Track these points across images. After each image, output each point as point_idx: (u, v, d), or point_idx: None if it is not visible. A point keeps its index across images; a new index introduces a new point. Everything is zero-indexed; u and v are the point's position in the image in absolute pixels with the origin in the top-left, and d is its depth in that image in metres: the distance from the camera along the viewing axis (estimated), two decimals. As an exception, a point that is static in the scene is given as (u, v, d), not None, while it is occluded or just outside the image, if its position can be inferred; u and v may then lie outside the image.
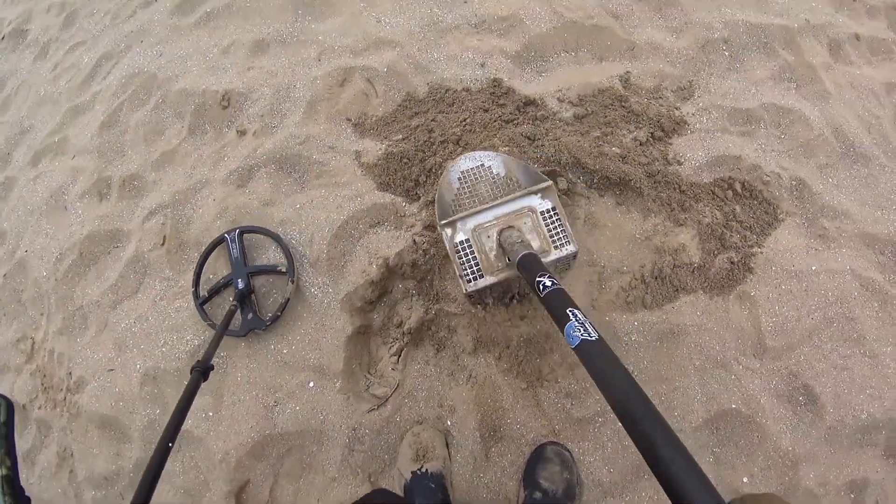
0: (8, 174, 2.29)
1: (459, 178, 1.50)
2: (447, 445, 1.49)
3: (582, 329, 0.91)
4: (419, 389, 1.53)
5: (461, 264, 1.42)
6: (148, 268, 1.83)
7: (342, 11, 2.04)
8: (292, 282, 1.62)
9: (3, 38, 2.89)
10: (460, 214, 1.44)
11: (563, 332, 0.95)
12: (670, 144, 1.63)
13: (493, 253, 1.42)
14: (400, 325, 1.56)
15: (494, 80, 1.74)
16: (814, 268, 1.57)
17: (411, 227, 1.58)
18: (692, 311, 1.52)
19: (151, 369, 1.71)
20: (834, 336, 1.52)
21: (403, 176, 1.66)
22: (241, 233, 1.69)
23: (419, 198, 1.63)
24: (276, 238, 1.68)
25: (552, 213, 1.43)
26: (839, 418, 1.45)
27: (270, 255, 1.69)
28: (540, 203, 1.44)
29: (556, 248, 1.41)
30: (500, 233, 1.42)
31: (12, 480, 0.64)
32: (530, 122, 1.65)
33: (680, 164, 1.60)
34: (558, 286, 1.06)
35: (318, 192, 1.70)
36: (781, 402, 1.47)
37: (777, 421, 1.44)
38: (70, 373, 1.84)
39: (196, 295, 1.70)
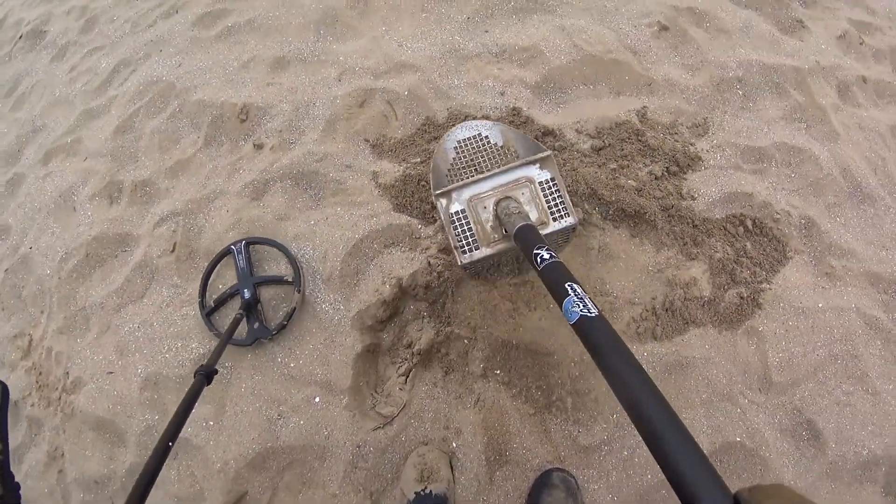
0: (17, 170, 2.29)
1: (455, 148, 1.47)
2: (452, 468, 1.49)
3: (581, 305, 0.85)
4: (426, 410, 1.53)
5: (456, 235, 1.37)
6: (156, 274, 1.84)
7: (364, 34, 2.08)
8: (298, 291, 1.62)
9: (21, 37, 2.91)
10: (456, 185, 1.38)
11: (561, 308, 0.89)
12: (685, 179, 1.67)
13: (490, 224, 1.37)
14: (410, 345, 1.57)
15: (514, 108, 1.77)
16: (820, 305, 1.59)
17: (426, 249, 1.60)
18: (701, 345, 1.54)
19: (153, 375, 1.70)
20: (838, 373, 1.54)
21: (420, 198, 1.68)
22: (248, 244, 1.71)
23: (435, 221, 1.65)
24: (282, 249, 1.69)
25: (551, 183, 1.37)
26: (841, 454, 1.47)
27: (281, 267, 1.71)
28: (538, 174, 1.38)
29: (554, 219, 1.36)
30: (497, 203, 1.36)
31: (2, 465, 0.63)
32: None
33: (693, 199, 1.64)
34: (556, 259, 1.01)
35: (333, 210, 1.72)
36: (785, 437, 1.49)
37: (780, 455, 1.46)
38: (67, 372, 1.83)
39: (202, 305, 1.70)
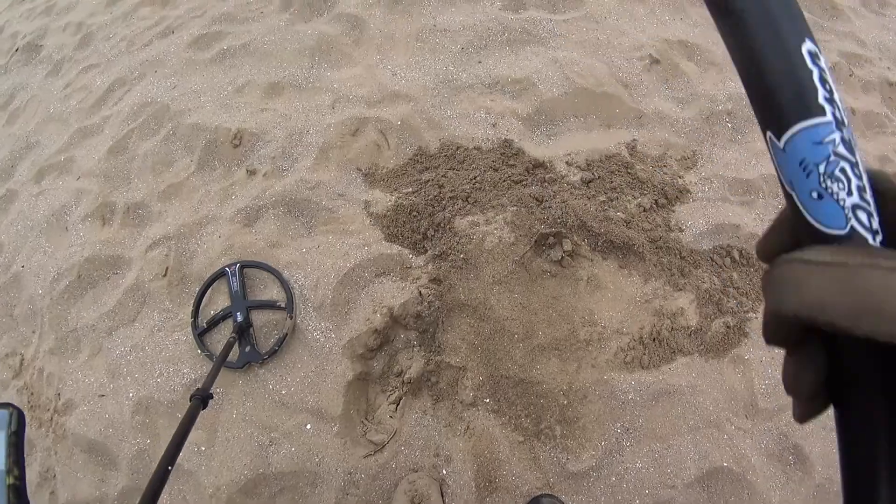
0: (10, 187, 2.29)
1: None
2: (442, 494, 1.52)
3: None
4: (416, 438, 1.56)
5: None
6: (147, 297, 1.85)
7: (358, 62, 2.10)
8: (290, 317, 1.65)
9: (17, 50, 2.92)
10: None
11: None
12: (673, 212, 1.70)
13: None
14: (400, 374, 1.60)
15: (505, 140, 1.80)
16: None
17: (417, 279, 1.63)
18: (688, 373, 1.58)
19: (145, 399, 1.71)
20: (823, 399, 1.58)
21: (412, 228, 1.70)
22: (242, 267, 1.73)
23: (426, 251, 1.67)
24: (276, 274, 1.71)
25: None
26: (827, 476, 1.51)
27: (273, 292, 1.73)
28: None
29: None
30: None
31: (19, 490, 0.64)
32: (539, 183, 1.71)
33: (681, 230, 1.68)
34: None
35: (325, 238, 1.74)
36: (772, 461, 1.52)
37: (767, 479, 1.49)
38: (59, 394, 1.84)
39: (195, 325, 1.72)
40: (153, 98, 2.24)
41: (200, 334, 1.71)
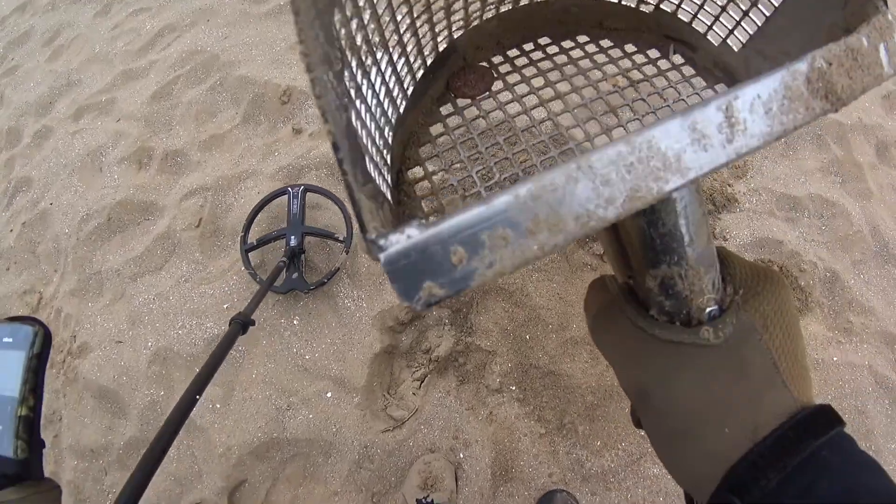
0: (46, 123, 2.22)
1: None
2: (456, 478, 1.45)
3: None
4: (436, 418, 1.49)
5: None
6: (177, 247, 1.78)
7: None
8: (346, 252, 1.57)
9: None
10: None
11: None
12: (719, 219, 1.63)
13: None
14: (428, 351, 1.53)
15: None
16: (835, 359, 1.57)
17: (457, 257, 1.56)
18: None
19: (163, 350, 1.65)
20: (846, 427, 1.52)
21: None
22: (306, 190, 1.64)
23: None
24: (339, 205, 1.63)
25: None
26: None
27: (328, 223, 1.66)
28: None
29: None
30: None
31: (32, 422, 0.55)
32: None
33: (725, 239, 1.60)
34: None
35: (367, 205, 1.67)
36: None
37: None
38: (74, 336, 1.78)
39: (244, 240, 1.63)
40: (203, 47, 2.16)
41: (248, 250, 1.62)
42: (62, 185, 2.02)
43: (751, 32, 0.46)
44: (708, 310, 0.34)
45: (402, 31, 0.46)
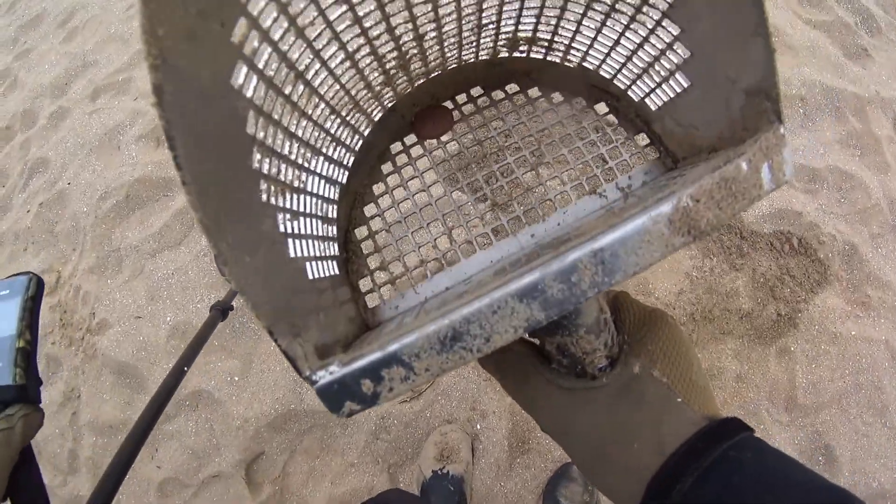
0: (62, 104, 2.20)
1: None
2: (473, 450, 1.43)
3: None
4: (454, 389, 1.47)
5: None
6: (196, 222, 1.76)
7: None
8: None
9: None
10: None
11: None
12: (737, 190, 1.59)
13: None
14: (445, 322, 1.51)
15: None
16: (853, 333, 1.54)
17: (473, 227, 1.53)
18: (734, 356, 1.49)
19: (182, 324, 1.64)
20: (861, 402, 1.50)
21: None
22: None
23: (486, 199, 1.57)
24: None
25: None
26: (853, 482, 1.43)
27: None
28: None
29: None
30: None
31: (28, 353, 0.62)
32: (604, 144, 1.60)
33: (744, 210, 1.56)
34: None
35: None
36: (802, 458, 1.44)
37: (796, 476, 1.41)
38: (93, 313, 1.77)
39: None
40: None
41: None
42: (80, 164, 2.00)
43: (664, 100, 0.47)
44: (599, 365, 0.38)
45: (340, 115, 0.49)
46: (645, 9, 0.40)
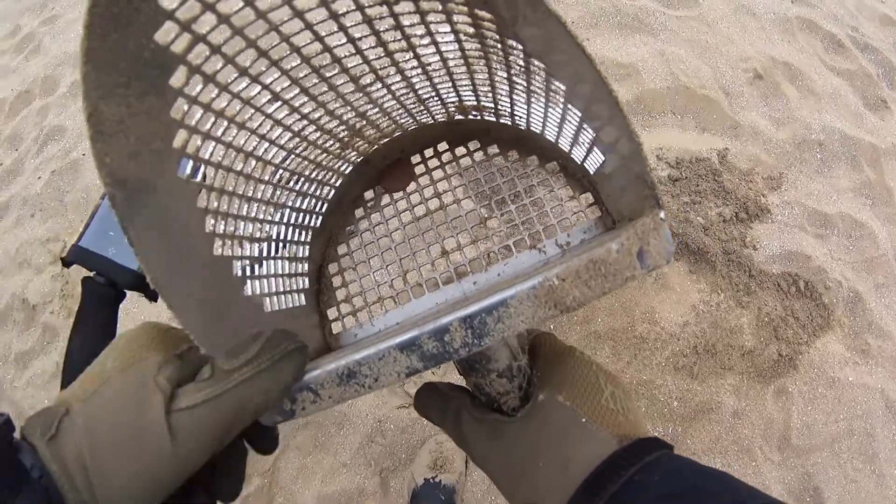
0: (83, 76, 2.16)
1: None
2: (466, 461, 1.41)
3: None
4: (453, 399, 1.45)
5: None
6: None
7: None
8: None
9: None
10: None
11: None
12: (751, 228, 1.58)
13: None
14: (450, 331, 1.49)
15: (601, 121, 1.67)
16: (850, 379, 1.53)
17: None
18: (732, 392, 1.48)
19: (185, 306, 1.60)
20: (852, 448, 1.49)
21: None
22: None
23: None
24: None
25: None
26: None
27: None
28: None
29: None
30: None
31: None
32: (627, 170, 1.59)
33: (755, 249, 1.56)
34: None
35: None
36: (791, 497, 1.43)
37: (782, 516, 1.40)
38: (97, 285, 1.73)
39: None
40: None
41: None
42: (96, 136, 1.96)
43: (596, 167, 0.50)
44: (513, 405, 0.42)
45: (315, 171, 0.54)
46: (551, 94, 0.42)
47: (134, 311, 1.67)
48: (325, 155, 0.53)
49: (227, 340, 0.33)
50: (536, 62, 0.36)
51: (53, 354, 1.73)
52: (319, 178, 0.55)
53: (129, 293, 0.64)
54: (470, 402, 0.44)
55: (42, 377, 1.72)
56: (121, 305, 0.65)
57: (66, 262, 0.60)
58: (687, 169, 1.59)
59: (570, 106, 0.41)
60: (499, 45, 0.39)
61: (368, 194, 0.63)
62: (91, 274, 0.61)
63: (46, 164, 2.01)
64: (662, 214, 0.34)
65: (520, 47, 0.36)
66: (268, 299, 0.45)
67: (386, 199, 0.63)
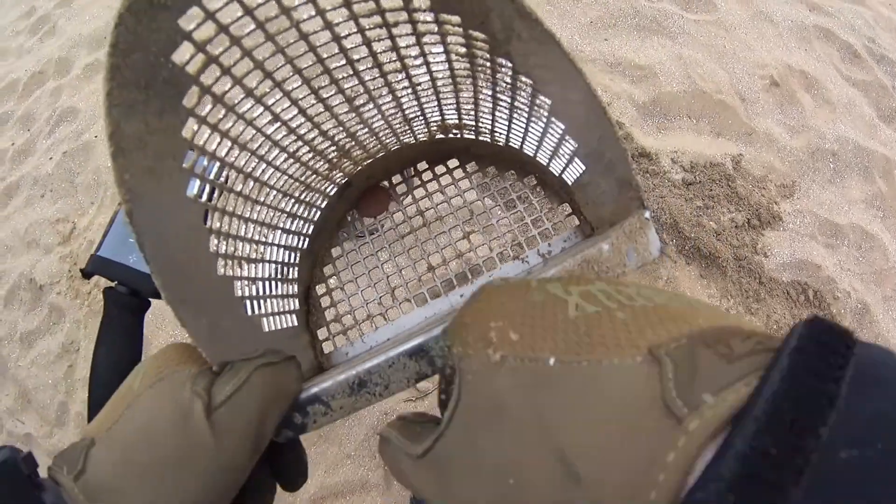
0: (99, 57, 2.14)
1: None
2: (471, 458, 1.40)
3: None
4: (460, 395, 1.44)
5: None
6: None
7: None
8: None
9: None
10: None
11: None
12: (762, 235, 1.57)
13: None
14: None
15: (617, 122, 1.65)
16: (855, 391, 1.52)
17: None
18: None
19: (192, 293, 1.59)
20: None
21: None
22: None
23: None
24: None
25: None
26: None
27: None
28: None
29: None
30: None
31: None
32: (641, 173, 1.57)
33: (766, 256, 1.54)
34: None
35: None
36: None
37: None
38: (103, 270, 1.71)
39: None
40: None
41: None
42: (108, 119, 1.94)
43: (574, 177, 0.51)
44: None
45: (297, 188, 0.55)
46: (535, 109, 0.43)
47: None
48: (314, 176, 0.55)
49: (230, 357, 0.35)
50: (524, 78, 0.37)
51: (59, 335, 1.72)
52: (307, 199, 0.57)
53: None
54: (409, 445, 0.29)
55: (47, 357, 1.70)
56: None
57: (86, 274, 0.59)
58: (701, 173, 1.58)
59: (553, 119, 0.42)
60: (487, 64, 0.39)
61: (353, 214, 0.65)
62: (113, 284, 0.59)
63: (58, 145, 1.99)
64: (648, 214, 0.37)
65: (509, 65, 0.36)
66: (264, 319, 0.46)
67: (369, 220, 0.65)
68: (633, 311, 0.22)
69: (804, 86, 1.74)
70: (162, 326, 1.59)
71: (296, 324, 0.55)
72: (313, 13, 0.34)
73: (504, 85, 0.42)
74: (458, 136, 0.62)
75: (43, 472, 0.30)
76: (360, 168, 0.63)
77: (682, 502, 0.16)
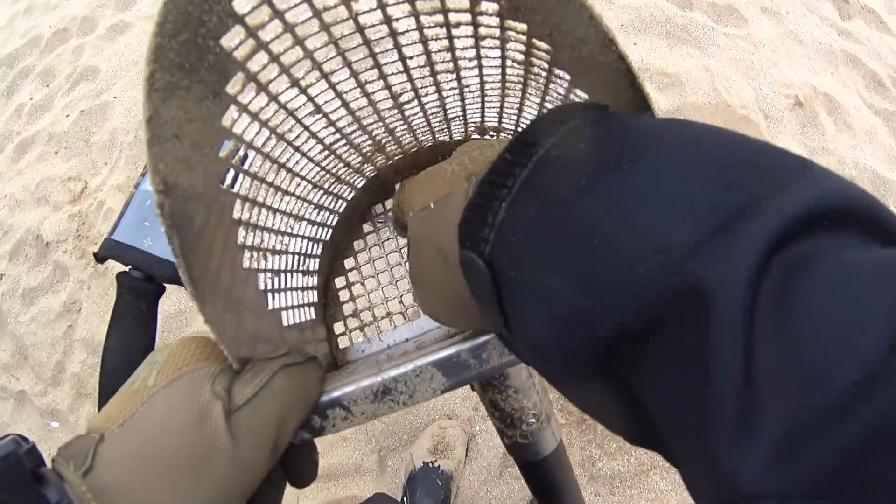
0: (125, 18, 2.12)
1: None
2: (467, 450, 1.40)
3: None
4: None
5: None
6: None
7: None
8: None
9: None
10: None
11: None
12: (774, 254, 1.56)
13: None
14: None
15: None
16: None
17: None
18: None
19: (199, 262, 1.58)
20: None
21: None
22: None
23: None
24: None
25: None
26: None
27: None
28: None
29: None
30: None
31: None
32: (659, 182, 1.56)
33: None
34: None
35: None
36: None
37: None
38: (113, 231, 1.70)
39: None
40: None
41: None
42: (130, 81, 1.93)
43: None
44: (529, 421, 0.44)
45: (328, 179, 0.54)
46: None
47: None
48: (345, 168, 0.54)
49: (251, 354, 0.34)
50: (580, 92, 0.36)
51: (62, 294, 1.71)
52: (335, 191, 0.56)
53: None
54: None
55: (47, 315, 1.70)
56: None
57: (99, 258, 0.56)
58: (718, 187, 1.57)
59: None
60: (543, 74, 0.38)
61: (378, 208, 0.63)
62: (126, 268, 0.56)
63: (76, 104, 1.98)
64: None
65: (567, 77, 0.35)
66: (284, 313, 0.45)
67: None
68: (470, 161, 0.37)
69: (827, 109, 1.73)
70: (166, 295, 1.58)
71: (314, 317, 0.54)
72: (374, 5, 0.32)
73: (555, 96, 0.41)
74: (495, 137, 0.61)
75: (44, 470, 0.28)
76: (390, 162, 0.61)
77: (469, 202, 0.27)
